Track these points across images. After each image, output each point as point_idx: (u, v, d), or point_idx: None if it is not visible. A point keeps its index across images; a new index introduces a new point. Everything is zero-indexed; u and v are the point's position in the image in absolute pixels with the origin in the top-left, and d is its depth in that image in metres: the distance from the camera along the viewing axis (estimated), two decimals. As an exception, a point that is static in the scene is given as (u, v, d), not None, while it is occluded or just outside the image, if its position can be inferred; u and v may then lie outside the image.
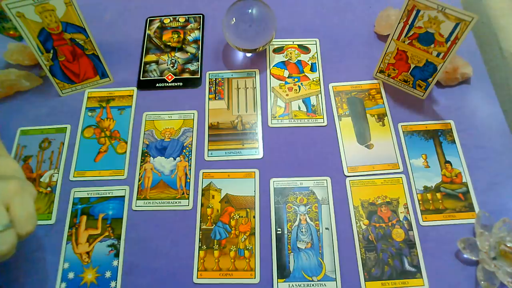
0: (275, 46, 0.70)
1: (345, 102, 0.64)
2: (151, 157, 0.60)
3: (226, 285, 0.51)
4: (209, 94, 0.66)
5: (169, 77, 0.67)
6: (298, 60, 0.68)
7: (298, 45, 0.70)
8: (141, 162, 0.60)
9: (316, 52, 0.69)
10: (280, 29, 0.69)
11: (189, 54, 0.70)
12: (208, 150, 0.61)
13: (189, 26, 0.73)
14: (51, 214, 0.56)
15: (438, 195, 0.56)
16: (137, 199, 0.57)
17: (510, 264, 0.47)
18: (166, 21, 0.74)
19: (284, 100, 0.65)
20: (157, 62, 0.69)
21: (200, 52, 0.70)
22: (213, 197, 0.57)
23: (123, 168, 0.60)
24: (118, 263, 0.53)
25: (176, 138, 0.62)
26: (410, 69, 0.61)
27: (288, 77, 0.66)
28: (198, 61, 0.69)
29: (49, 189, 0.58)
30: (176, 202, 0.57)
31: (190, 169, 0.59)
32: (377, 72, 0.65)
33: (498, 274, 0.48)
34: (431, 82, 0.60)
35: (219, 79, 0.67)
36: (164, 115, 0.64)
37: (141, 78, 0.67)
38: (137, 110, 0.65)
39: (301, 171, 0.58)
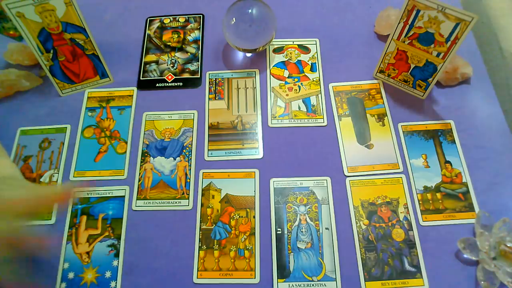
0: (275, 46, 0.70)
1: (345, 102, 0.64)
2: (151, 157, 0.60)
3: (226, 285, 0.51)
4: (209, 94, 0.66)
5: (169, 77, 0.67)
6: (298, 60, 0.68)
7: (298, 45, 0.70)
8: (141, 162, 0.60)
9: (316, 52, 0.69)
10: (280, 29, 0.69)
11: (189, 54, 0.70)
12: (208, 150, 0.61)
13: (189, 26, 0.73)
14: (51, 214, 0.56)
15: (438, 195, 0.56)
16: (137, 199, 0.57)
17: (510, 264, 0.47)
18: (166, 21, 0.74)
19: (284, 100, 0.65)
20: (157, 62, 0.69)
21: (200, 52, 0.70)
22: (213, 197, 0.57)
23: (123, 168, 0.60)
24: (118, 263, 0.53)
25: (176, 138, 0.62)
26: (410, 69, 0.61)
27: (288, 77, 0.66)
28: (198, 61, 0.69)
29: (49, 189, 0.58)
30: (176, 202, 0.57)
31: (190, 169, 0.59)
32: (377, 72, 0.65)
33: (498, 274, 0.48)
34: (431, 82, 0.60)
35: (219, 79, 0.67)
36: (164, 115, 0.64)
37: (141, 78, 0.67)
38: (137, 110, 0.65)
39: (301, 171, 0.58)
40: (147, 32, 0.73)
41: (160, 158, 0.60)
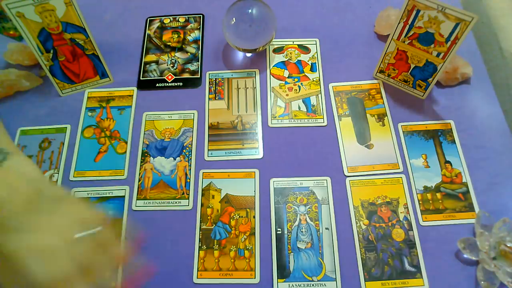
0: (275, 46, 0.70)
1: (345, 102, 0.64)
2: (151, 157, 0.60)
3: (226, 285, 0.51)
4: (209, 94, 0.66)
5: (169, 77, 0.67)
6: (298, 60, 0.68)
7: (298, 45, 0.70)
8: (141, 162, 0.60)
9: (316, 52, 0.69)
10: (280, 29, 0.69)
11: (189, 54, 0.70)
12: (208, 150, 0.61)
13: (189, 26, 0.73)
14: (51, 214, 0.56)
15: (438, 195, 0.56)
16: (137, 199, 0.57)
17: (510, 264, 0.47)
18: (166, 21, 0.74)
19: (284, 100, 0.65)
20: (157, 62, 0.69)
21: (200, 52, 0.70)
22: (213, 197, 0.57)
23: (123, 168, 0.60)
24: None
25: (176, 138, 0.62)
26: (410, 69, 0.61)
27: (288, 77, 0.66)
28: (198, 61, 0.69)
29: (49, 189, 0.58)
30: (176, 202, 0.57)
31: (190, 169, 0.59)
32: (377, 72, 0.65)
33: (498, 274, 0.48)
34: (431, 82, 0.60)
35: (219, 79, 0.67)
36: (164, 115, 0.64)
37: (141, 78, 0.67)
38: (137, 110, 0.65)
39: (301, 171, 0.58)
40: (147, 32, 0.73)
41: (160, 158, 0.60)
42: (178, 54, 0.70)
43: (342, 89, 0.65)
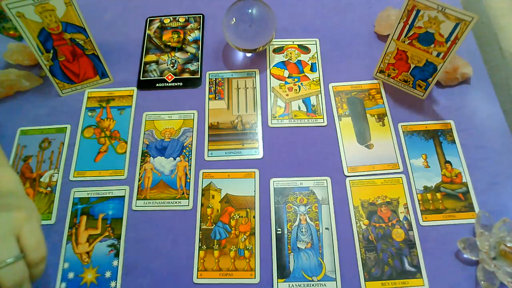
0: (275, 46, 0.70)
1: (345, 102, 0.64)
2: (151, 157, 0.60)
3: (226, 285, 0.51)
4: (209, 94, 0.66)
5: (169, 77, 0.67)
6: (298, 60, 0.68)
7: (298, 45, 0.70)
8: (141, 162, 0.60)
9: (316, 52, 0.69)
10: (280, 29, 0.69)
11: (189, 54, 0.70)
12: (208, 150, 0.61)
13: (189, 26, 0.73)
14: (51, 214, 0.56)
15: (438, 195, 0.56)
16: (137, 199, 0.57)
17: (510, 264, 0.47)
18: (166, 21, 0.74)
19: (284, 100, 0.65)
20: (157, 62, 0.69)
21: (200, 52, 0.70)
22: (213, 197, 0.57)
23: (123, 168, 0.60)
24: (118, 263, 0.53)
25: (176, 138, 0.62)
26: (410, 69, 0.61)
27: (288, 77, 0.66)
28: (198, 61, 0.69)
29: (49, 189, 0.58)
30: (176, 202, 0.57)
31: (190, 169, 0.59)
32: (377, 72, 0.65)
33: (498, 274, 0.48)
34: (431, 82, 0.60)
35: (219, 79, 0.67)
36: (164, 115, 0.64)
37: (141, 78, 0.67)
38: (137, 110, 0.65)
39: (301, 171, 0.58)
40: (147, 32, 0.73)
41: (160, 158, 0.60)
42: (178, 54, 0.70)
43: (342, 89, 0.65)
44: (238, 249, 0.53)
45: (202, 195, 0.57)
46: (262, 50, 0.67)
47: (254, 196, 0.57)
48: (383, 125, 0.62)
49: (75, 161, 0.60)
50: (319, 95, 0.65)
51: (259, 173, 0.58)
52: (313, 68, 0.67)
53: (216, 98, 0.65)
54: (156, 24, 0.73)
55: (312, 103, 0.64)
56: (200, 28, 0.73)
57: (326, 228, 0.54)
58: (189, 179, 0.58)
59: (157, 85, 0.67)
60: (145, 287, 0.52)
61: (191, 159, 0.60)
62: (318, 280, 0.51)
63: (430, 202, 0.56)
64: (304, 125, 0.62)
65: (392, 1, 0.70)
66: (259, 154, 0.60)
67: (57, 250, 0.54)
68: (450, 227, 0.54)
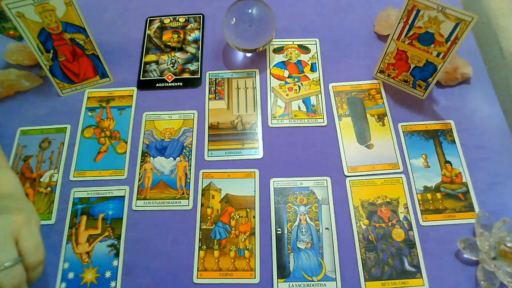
0: (275, 46, 0.70)
1: (345, 102, 0.64)
2: (151, 157, 0.60)
3: (226, 285, 0.51)
4: (209, 94, 0.66)
5: (169, 77, 0.67)
6: (298, 60, 0.68)
7: (298, 45, 0.70)
8: (141, 162, 0.60)
9: (316, 52, 0.69)
10: (280, 29, 0.69)
11: (189, 54, 0.70)
12: (208, 150, 0.61)
13: (189, 26, 0.73)
14: (51, 214, 0.56)
15: (438, 195, 0.56)
16: (137, 199, 0.57)
17: (510, 264, 0.47)
18: (166, 21, 0.74)
19: (284, 100, 0.65)
20: (157, 62, 0.69)
21: (200, 52, 0.70)
22: (213, 197, 0.57)
23: (123, 168, 0.60)
24: (118, 263, 0.53)
25: (176, 138, 0.62)
26: (410, 69, 0.61)
27: (288, 77, 0.66)
28: (198, 61, 0.69)
29: (49, 189, 0.58)
30: (176, 202, 0.57)
31: (190, 169, 0.59)
32: (377, 72, 0.65)
33: (498, 274, 0.48)
34: (431, 82, 0.60)
35: (219, 79, 0.67)
36: (164, 115, 0.64)
37: (141, 78, 0.67)
38: (137, 110, 0.65)
39: (301, 171, 0.58)
40: (147, 32, 0.73)
41: (160, 158, 0.60)
42: (178, 54, 0.70)
43: (342, 89, 0.65)
44: (238, 249, 0.53)
45: (202, 195, 0.57)
46: (262, 50, 0.67)
47: (254, 196, 0.57)
48: (383, 125, 0.62)
49: (75, 161, 0.60)
50: (319, 95, 0.65)
51: (259, 173, 0.58)
52: (313, 68, 0.67)
53: (216, 98, 0.65)
54: (156, 24, 0.73)
55: (312, 103, 0.64)
56: (200, 28, 0.73)
57: (326, 228, 0.54)
58: (189, 179, 0.58)
59: (157, 85, 0.67)
60: (145, 287, 0.52)
61: (191, 159, 0.60)
62: (318, 280, 0.51)
63: (430, 202, 0.56)
64: (304, 125, 0.62)
65: (392, 1, 0.70)
66: (259, 154, 0.60)
67: (57, 250, 0.54)
68: (450, 227, 0.54)
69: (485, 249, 0.50)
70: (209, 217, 0.56)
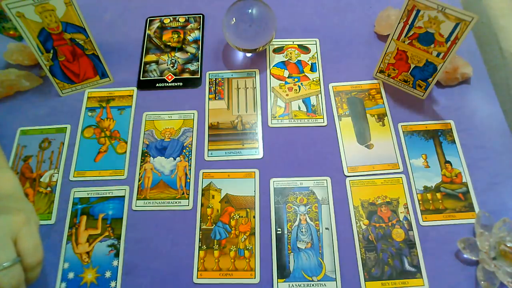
0: (275, 46, 0.70)
1: (345, 102, 0.64)
2: (151, 157, 0.60)
3: (226, 285, 0.51)
4: (209, 94, 0.66)
5: (169, 77, 0.67)
6: (298, 60, 0.68)
7: (298, 45, 0.70)
8: (141, 162, 0.60)
9: (316, 52, 0.69)
10: (280, 29, 0.69)
11: (189, 54, 0.70)
12: (208, 150, 0.61)
13: (189, 26, 0.73)
14: (51, 214, 0.56)
15: (438, 195, 0.56)
16: (137, 199, 0.57)
17: (510, 264, 0.47)
18: (166, 21, 0.74)
19: (284, 100, 0.65)
20: (157, 62, 0.69)
21: (200, 52, 0.70)
22: (213, 197, 0.57)
23: (123, 168, 0.60)
24: (118, 263, 0.53)
25: (176, 138, 0.62)
26: (410, 69, 0.61)
27: (288, 77, 0.66)
28: (198, 61, 0.69)
29: (49, 189, 0.58)
30: (176, 202, 0.57)
31: (190, 169, 0.59)
32: (377, 72, 0.65)
33: (498, 274, 0.48)
34: (431, 82, 0.60)
35: (219, 79, 0.67)
36: (164, 115, 0.64)
37: (141, 78, 0.67)
38: (137, 110, 0.65)
39: (301, 171, 0.58)
40: (147, 32, 0.73)
41: (160, 158, 0.60)
42: (178, 54, 0.70)
43: (342, 89, 0.65)
44: (238, 249, 0.53)
45: (202, 195, 0.57)
46: (262, 50, 0.67)
47: (254, 196, 0.57)
48: (383, 125, 0.62)
49: (75, 161, 0.60)
50: (319, 95, 0.65)
51: (259, 173, 0.58)
52: (313, 68, 0.67)
53: (216, 98, 0.65)
54: (156, 24, 0.73)
55: (312, 103, 0.64)
56: (200, 28, 0.73)
57: (326, 228, 0.54)
58: (189, 179, 0.58)
59: (157, 85, 0.67)
60: (145, 287, 0.52)
61: (191, 159, 0.60)
62: (318, 280, 0.51)
63: (430, 202, 0.56)
64: (304, 125, 0.62)
65: (392, 1, 0.70)
66: (259, 154, 0.60)
67: (57, 250, 0.54)
68: (450, 227, 0.54)
69: (485, 249, 0.50)
70: (209, 217, 0.56)
